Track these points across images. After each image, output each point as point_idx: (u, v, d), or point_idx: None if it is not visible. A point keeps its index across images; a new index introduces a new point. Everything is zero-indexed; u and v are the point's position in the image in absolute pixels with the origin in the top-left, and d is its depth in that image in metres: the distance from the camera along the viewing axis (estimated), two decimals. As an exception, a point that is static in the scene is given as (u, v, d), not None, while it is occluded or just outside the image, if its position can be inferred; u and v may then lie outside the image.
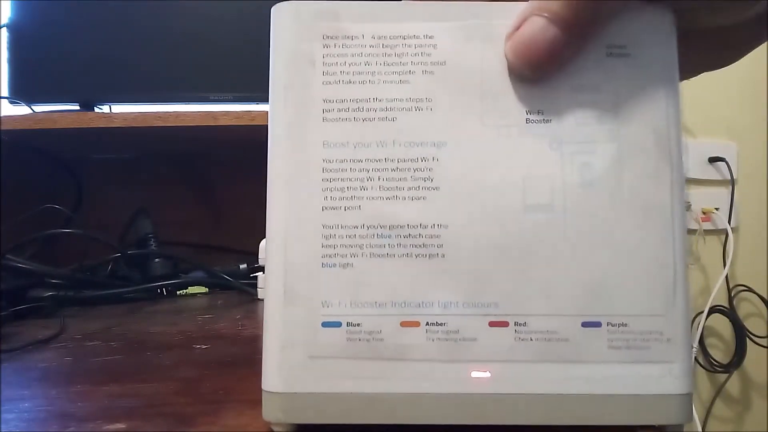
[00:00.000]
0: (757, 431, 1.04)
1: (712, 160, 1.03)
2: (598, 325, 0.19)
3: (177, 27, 0.66)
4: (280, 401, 0.19)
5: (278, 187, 0.20)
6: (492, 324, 0.19)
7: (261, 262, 0.57)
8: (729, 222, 1.01)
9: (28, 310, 0.48)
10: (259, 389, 0.19)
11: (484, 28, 0.20)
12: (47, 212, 0.59)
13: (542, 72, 0.19)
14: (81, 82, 0.64)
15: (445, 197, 0.19)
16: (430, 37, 0.20)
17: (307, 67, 0.20)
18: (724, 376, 1.02)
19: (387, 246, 0.19)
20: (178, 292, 0.59)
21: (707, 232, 1.02)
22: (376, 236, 0.19)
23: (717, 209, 1.02)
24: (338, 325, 0.19)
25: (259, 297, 0.55)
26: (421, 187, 0.19)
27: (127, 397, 0.25)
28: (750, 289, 1.03)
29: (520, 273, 0.19)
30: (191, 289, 0.60)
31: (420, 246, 0.19)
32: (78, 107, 0.65)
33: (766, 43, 0.21)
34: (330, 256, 0.19)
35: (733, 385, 1.04)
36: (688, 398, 0.19)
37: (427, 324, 0.19)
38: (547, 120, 0.19)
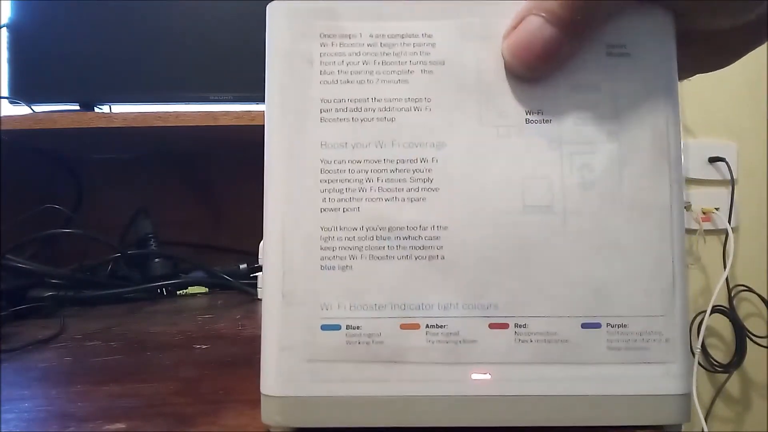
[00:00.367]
0: (757, 431, 1.03)
1: (712, 160, 1.03)
2: (597, 326, 0.19)
3: (177, 27, 0.66)
4: (279, 405, 0.19)
5: (275, 188, 0.19)
6: (492, 326, 0.19)
7: (261, 262, 0.57)
8: (729, 222, 1.00)
9: (28, 310, 0.48)
10: (258, 389, 0.19)
11: (483, 27, 0.20)
12: (47, 212, 0.59)
13: (539, 72, 0.19)
14: (81, 82, 0.64)
15: (445, 198, 0.19)
16: (429, 36, 0.20)
17: (305, 67, 0.20)
18: (724, 376, 1.02)
19: (386, 248, 0.19)
20: (178, 292, 0.59)
21: (707, 232, 1.02)
22: (375, 238, 0.19)
23: (717, 209, 1.01)
24: (337, 328, 0.19)
25: (258, 297, 0.55)
26: (420, 188, 0.19)
27: (127, 397, 0.25)
28: (750, 289, 1.03)
29: (519, 274, 0.19)
30: (191, 289, 0.60)
31: (419, 248, 0.19)
32: (78, 107, 0.65)
33: (766, 43, 0.21)
34: (329, 258, 0.19)
35: (733, 385, 1.04)
36: (687, 398, 0.19)
37: (427, 326, 0.19)
38: (547, 120, 0.19)
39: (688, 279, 0.19)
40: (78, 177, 0.70)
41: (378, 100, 0.19)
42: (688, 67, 0.22)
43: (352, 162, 0.19)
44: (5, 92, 0.63)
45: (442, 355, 0.19)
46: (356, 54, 0.20)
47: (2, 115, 0.58)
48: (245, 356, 0.32)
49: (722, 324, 1.03)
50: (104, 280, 0.56)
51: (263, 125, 0.20)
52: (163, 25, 0.65)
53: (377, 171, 0.19)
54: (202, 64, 0.65)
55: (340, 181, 0.19)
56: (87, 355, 0.34)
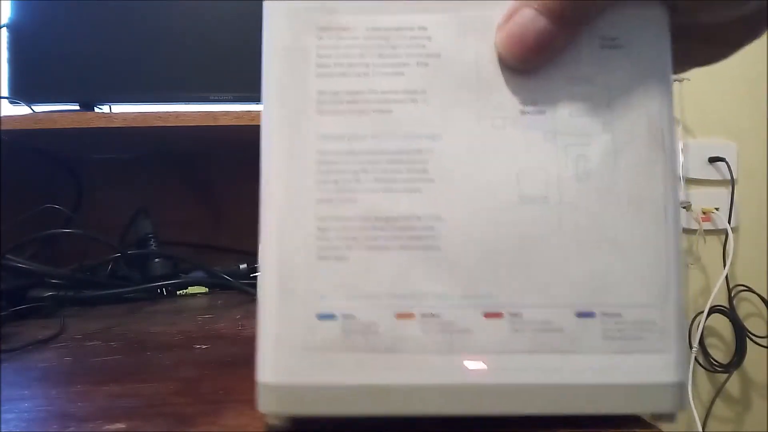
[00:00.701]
0: (757, 431, 1.04)
1: (712, 160, 1.03)
2: (592, 315, 0.19)
3: (177, 27, 0.66)
4: (276, 393, 0.19)
5: (273, 179, 0.19)
6: (487, 315, 0.19)
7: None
8: (729, 222, 1.01)
9: (28, 310, 0.48)
10: (258, 389, 0.19)
11: (478, 20, 0.20)
12: (47, 212, 0.59)
13: (532, 63, 0.19)
14: (81, 82, 0.64)
15: (440, 189, 0.19)
16: (424, 29, 0.20)
17: (302, 59, 0.20)
18: (724, 376, 1.02)
19: (382, 238, 0.19)
20: (178, 292, 0.59)
21: (707, 232, 1.02)
22: (371, 229, 0.19)
23: (717, 209, 1.02)
24: (333, 317, 0.19)
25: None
26: (416, 180, 0.19)
27: (127, 397, 0.25)
28: (750, 289, 1.03)
29: (514, 264, 0.19)
30: (191, 289, 0.60)
31: (415, 238, 0.19)
32: (78, 107, 0.65)
33: (766, 43, 0.21)
34: (325, 249, 0.19)
35: (733, 385, 1.04)
36: (681, 387, 0.19)
37: (422, 316, 0.19)
38: (542, 111, 0.19)
39: (683, 268, 0.19)
40: (78, 177, 0.70)
41: (374, 93, 0.20)
42: (685, 61, 0.22)
43: (348, 154, 0.19)
44: (5, 92, 0.63)
45: (437, 345, 0.19)
46: (353, 47, 0.20)
47: (2, 115, 0.58)
48: (245, 356, 0.32)
49: (722, 324, 1.03)
50: (104, 280, 0.56)
51: (263, 125, 0.20)
52: (163, 25, 0.65)
53: (373, 162, 0.19)
54: (202, 64, 0.66)
55: (337, 172, 0.19)
56: (87, 355, 0.34)
